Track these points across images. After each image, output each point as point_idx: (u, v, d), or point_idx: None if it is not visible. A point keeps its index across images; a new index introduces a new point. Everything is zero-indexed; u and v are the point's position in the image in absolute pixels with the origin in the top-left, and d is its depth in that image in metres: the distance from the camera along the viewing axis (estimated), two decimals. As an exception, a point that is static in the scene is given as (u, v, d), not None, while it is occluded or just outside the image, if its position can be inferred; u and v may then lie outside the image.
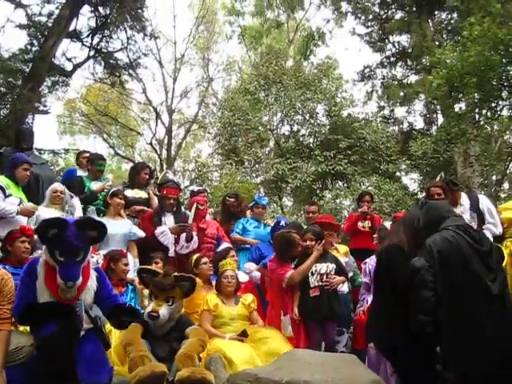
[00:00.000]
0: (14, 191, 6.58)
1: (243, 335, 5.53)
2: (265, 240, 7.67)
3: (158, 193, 8.07)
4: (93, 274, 4.56)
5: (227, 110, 19.51)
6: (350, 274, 6.68)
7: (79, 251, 4.30)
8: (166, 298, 4.78)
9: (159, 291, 4.83)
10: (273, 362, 4.22)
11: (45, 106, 16.89)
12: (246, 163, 18.67)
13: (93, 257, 5.81)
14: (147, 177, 8.11)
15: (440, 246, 4.04)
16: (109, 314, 4.63)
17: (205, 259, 6.43)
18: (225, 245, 7.17)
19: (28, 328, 4.92)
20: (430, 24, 21.14)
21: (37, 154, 9.05)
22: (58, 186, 7.00)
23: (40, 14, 16.78)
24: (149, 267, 5.35)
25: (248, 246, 7.86)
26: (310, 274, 5.78)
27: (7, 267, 5.27)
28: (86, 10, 16.78)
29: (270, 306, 6.19)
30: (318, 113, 18.83)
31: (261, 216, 8.45)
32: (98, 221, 5.28)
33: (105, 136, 27.68)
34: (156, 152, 26.20)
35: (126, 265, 6.09)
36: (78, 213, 6.95)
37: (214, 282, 6.38)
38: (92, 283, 4.53)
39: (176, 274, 5.02)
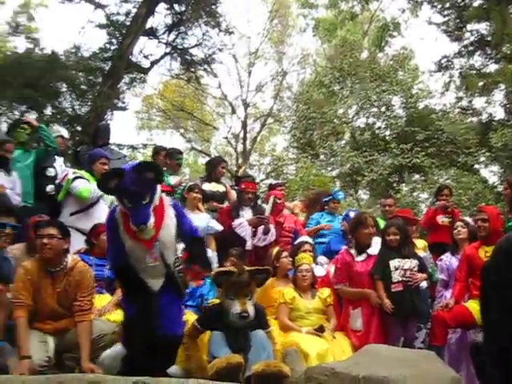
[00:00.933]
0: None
1: (320, 330, 5.53)
2: (339, 233, 7.68)
3: (235, 187, 8.17)
4: (169, 212, 4.58)
5: (302, 104, 19.51)
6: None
7: (143, 195, 4.32)
8: (245, 295, 4.83)
9: (239, 289, 4.83)
10: (350, 356, 4.22)
11: (123, 103, 17.31)
12: (322, 156, 18.65)
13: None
14: (224, 170, 8.23)
15: (501, 244, 3.92)
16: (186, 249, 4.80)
17: (285, 253, 6.44)
18: (301, 238, 7.15)
19: (109, 317, 5.13)
20: (511, 10, 20.49)
21: (115, 148, 9.22)
22: None
23: (118, 14, 17.21)
24: (224, 269, 5.37)
25: (324, 240, 7.84)
26: (393, 269, 5.66)
27: (91, 258, 5.49)
28: (161, 7, 17.11)
29: (344, 299, 6.15)
30: (393, 105, 18.62)
31: (335, 210, 8.43)
32: (152, 162, 5.48)
33: (181, 131, 28.12)
34: (232, 146, 26.42)
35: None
36: None
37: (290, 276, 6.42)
38: (169, 221, 4.54)
39: (248, 268, 5.05)
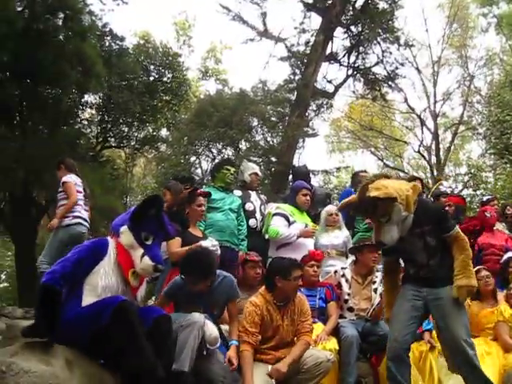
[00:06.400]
0: (298, 217, 6.97)
1: None
2: None
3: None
4: None
5: (494, 107, 18.67)
6: None
7: (168, 234, 4.34)
8: None
9: None
10: None
11: (313, 130, 17.83)
12: (522, 161, 17.67)
13: None
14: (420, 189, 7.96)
15: None
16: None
17: (484, 272, 6.16)
18: (508, 254, 6.81)
19: (325, 345, 5.25)
20: None
21: (318, 189, 9.07)
22: (331, 208, 7.33)
23: (298, 44, 17.86)
24: None
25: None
26: None
27: (301, 289, 5.66)
28: (339, 31, 17.53)
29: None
30: None
31: None
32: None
33: (372, 149, 28.12)
34: (425, 159, 25.92)
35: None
36: None
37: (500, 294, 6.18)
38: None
39: None
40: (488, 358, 5.32)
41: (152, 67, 16.89)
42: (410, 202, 4.28)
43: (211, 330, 4.55)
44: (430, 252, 4.42)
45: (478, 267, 6.26)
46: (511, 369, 5.03)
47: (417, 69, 25.33)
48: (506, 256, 6.75)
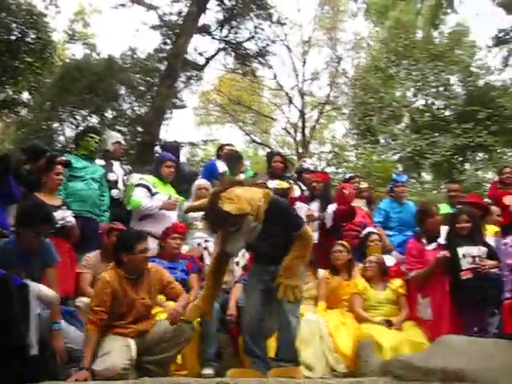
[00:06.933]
0: (161, 188, 6.88)
1: (388, 324, 5.57)
2: (410, 226, 7.25)
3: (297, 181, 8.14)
4: None
5: (359, 89, 19.32)
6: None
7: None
8: None
9: None
10: (425, 348, 4.20)
11: (181, 101, 17.69)
12: (382, 141, 18.42)
13: None
14: (280, 165, 7.97)
15: None
16: None
17: (337, 247, 6.41)
18: (368, 229, 7.09)
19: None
20: None
21: (186, 167, 8.91)
22: (202, 181, 7.29)
23: (170, 14, 17.52)
24: None
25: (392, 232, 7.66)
26: (461, 257, 5.58)
27: (163, 261, 5.63)
28: (212, 4, 17.31)
29: (413, 288, 6.12)
30: (452, 84, 18.24)
31: (403, 196, 8.01)
32: None
33: (240, 124, 28.27)
34: (291, 136, 26.42)
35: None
36: None
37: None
38: None
39: None
40: (343, 327, 5.56)
41: (14, 25, 15.91)
42: (260, 213, 4.23)
43: (45, 290, 4.40)
44: (277, 249, 4.45)
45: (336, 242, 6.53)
46: (364, 339, 5.23)
47: (287, 47, 25.67)
48: (365, 231, 7.01)
